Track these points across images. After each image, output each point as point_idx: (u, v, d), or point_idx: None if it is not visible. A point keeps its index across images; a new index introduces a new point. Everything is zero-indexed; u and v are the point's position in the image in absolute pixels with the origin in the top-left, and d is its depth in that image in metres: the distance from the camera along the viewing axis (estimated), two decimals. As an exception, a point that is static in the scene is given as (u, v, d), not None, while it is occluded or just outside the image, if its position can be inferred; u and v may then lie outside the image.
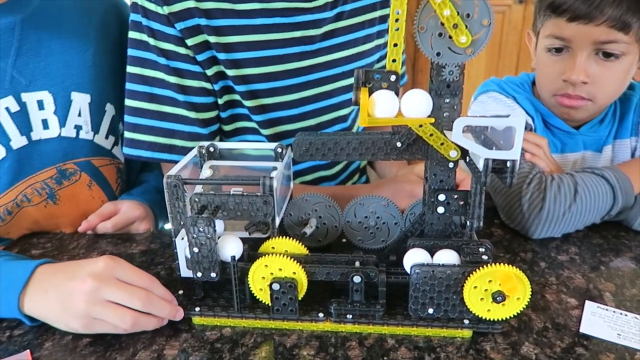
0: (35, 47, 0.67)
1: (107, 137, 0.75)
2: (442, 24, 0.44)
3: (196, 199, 0.51)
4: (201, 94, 0.72)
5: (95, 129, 0.73)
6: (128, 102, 0.71)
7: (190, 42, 0.68)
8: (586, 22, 0.69)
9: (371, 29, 0.81)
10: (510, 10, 1.86)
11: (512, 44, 1.91)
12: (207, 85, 0.71)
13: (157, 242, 0.69)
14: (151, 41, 0.68)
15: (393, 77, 0.46)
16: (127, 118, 0.71)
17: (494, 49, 1.90)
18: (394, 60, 0.45)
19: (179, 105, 0.71)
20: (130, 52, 0.70)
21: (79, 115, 0.71)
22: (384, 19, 0.81)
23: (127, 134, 0.71)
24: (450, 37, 0.45)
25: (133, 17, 0.69)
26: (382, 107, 0.44)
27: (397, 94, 0.46)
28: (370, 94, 0.45)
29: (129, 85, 0.70)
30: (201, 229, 0.48)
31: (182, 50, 0.69)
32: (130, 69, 0.70)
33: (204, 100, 0.72)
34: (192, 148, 0.67)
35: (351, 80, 0.79)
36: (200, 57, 0.69)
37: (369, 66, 0.83)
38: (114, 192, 0.78)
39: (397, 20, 0.43)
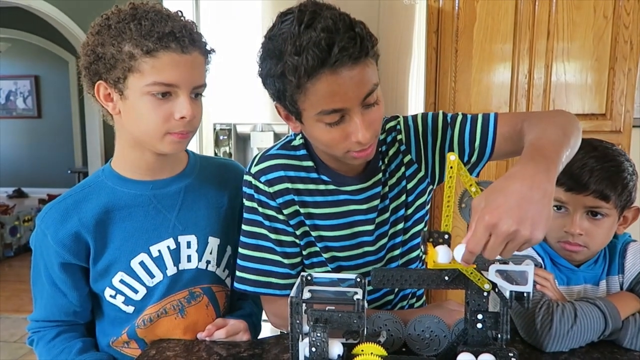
0: (190, 204, 0.96)
1: (224, 270, 1.01)
2: (476, 204, 0.72)
3: (312, 314, 0.74)
4: (292, 246, 0.97)
5: (218, 263, 0.99)
6: (240, 250, 0.97)
7: (285, 211, 0.95)
8: (578, 193, 0.97)
9: (403, 182, 0.99)
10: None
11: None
12: (297, 240, 0.97)
13: (259, 348, 0.91)
14: (259, 209, 0.95)
15: (447, 236, 0.72)
16: (239, 261, 0.97)
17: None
18: (446, 226, 0.72)
19: (276, 253, 0.96)
20: (245, 215, 0.97)
21: (210, 253, 0.98)
22: (408, 165, 0.99)
23: (238, 273, 0.97)
24: (481, 211, 0.72)
25: (247, 190, 0.96)
26: (441, 256, 0.69)
27: (450, 245, 0.72)
28: (434, 246, 0.71)
29: (242, 238, 0.97)
30: (318, 334, 0.71)
31: (280, 216, 0.95)
32: (244, 227, 0.97)
33: (294, 250, 0.97)
34: (284, 284, 0.95)
35: (396, 227, 1.01)
36: (292, 222, 0.96)
37: (408, 206, 1.01)
38: (221, 313, 1.02)
39: (448, 206, 0.70)
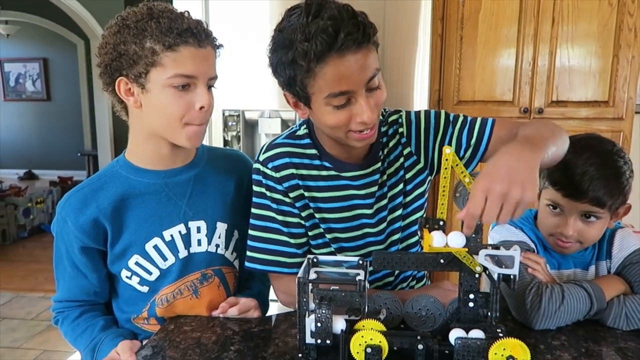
0: (199, 192, 1.03)
1: (232, 253, 1.09)
2: (469, 193, 0.78)
3: (317, 292, 0.81)
4: (298, 227, 1.04)
5: (226, 247, 1.07)
6: (250, 232, 1.04)
7: (291, 194, 1.02)
8: (575, 200, 1.01)
9: (401, 172, 1.05)
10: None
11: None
12: (302, 222, 1.04)
13: (269, 324, 0.98)
14: (267, 193, 1.02)
15: (441, 223, 0.78)
16: (249, 242, 1.04)
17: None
18: (441, 213, 0.78)
19: (283, 234, 1.03)
20: (254, 199, 1.04)
21: (219, 237, 1.05)
22: (407, 157, 1.07)
23: (248, 253, 1.04)
24: (474, 200, 0.78)
25: (256, 176, 1.03)
26: (436, 241, 0.76)
27: (444, 231, 0.78)
28: (429, 232, 0.77)
29: (251, 221, 1.04)
30: (323, 311, 0.78)
31: (287, 199, 1.02)
32: (253, 210, 1.04)
33: (299, 231, 1.04)
34: (292, 263, 1.02)
35: (394, 214, 1.07)
36: (298, 204, 1.03)
37: (406, 194, 1.07)
38: (231, 292, 1.09)
39: (443, 195, 0.76)
